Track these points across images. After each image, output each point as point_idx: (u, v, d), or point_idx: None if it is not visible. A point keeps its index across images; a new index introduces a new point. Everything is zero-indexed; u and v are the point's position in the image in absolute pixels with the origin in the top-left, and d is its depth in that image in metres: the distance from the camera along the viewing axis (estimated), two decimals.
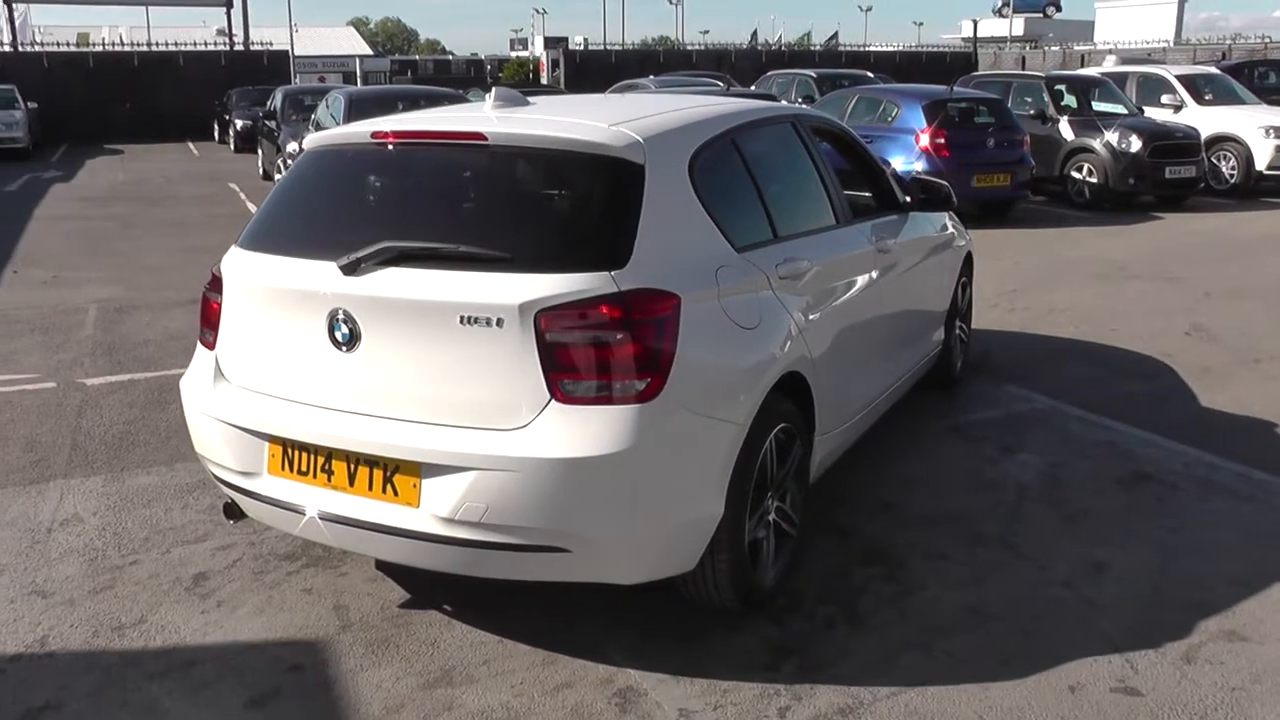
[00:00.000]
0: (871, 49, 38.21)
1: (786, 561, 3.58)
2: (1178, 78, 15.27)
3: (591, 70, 28.65)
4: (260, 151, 16.18)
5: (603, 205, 3.06)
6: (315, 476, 3.07)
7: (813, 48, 38.28)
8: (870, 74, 20.27)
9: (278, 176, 14.00)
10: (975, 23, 39.82)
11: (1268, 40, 27.87)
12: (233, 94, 23.37)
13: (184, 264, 9.69)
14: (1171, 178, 12.72)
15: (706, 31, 64.40)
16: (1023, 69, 29.21)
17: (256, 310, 3.25)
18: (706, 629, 3.37)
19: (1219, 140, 13.91)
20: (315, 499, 3.07)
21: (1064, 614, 3.50)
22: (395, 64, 58.57)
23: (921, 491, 4.54)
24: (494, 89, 3.53)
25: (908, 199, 5.00)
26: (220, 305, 3.36)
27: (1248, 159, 13.81)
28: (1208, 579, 3.72)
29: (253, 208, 13.43)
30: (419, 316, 2.91)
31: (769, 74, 21.33)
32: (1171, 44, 34.85)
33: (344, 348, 3.01)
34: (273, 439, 3.15)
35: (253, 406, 3.20)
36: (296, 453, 3.11)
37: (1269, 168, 13.67)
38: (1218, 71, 16.21)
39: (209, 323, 3.43)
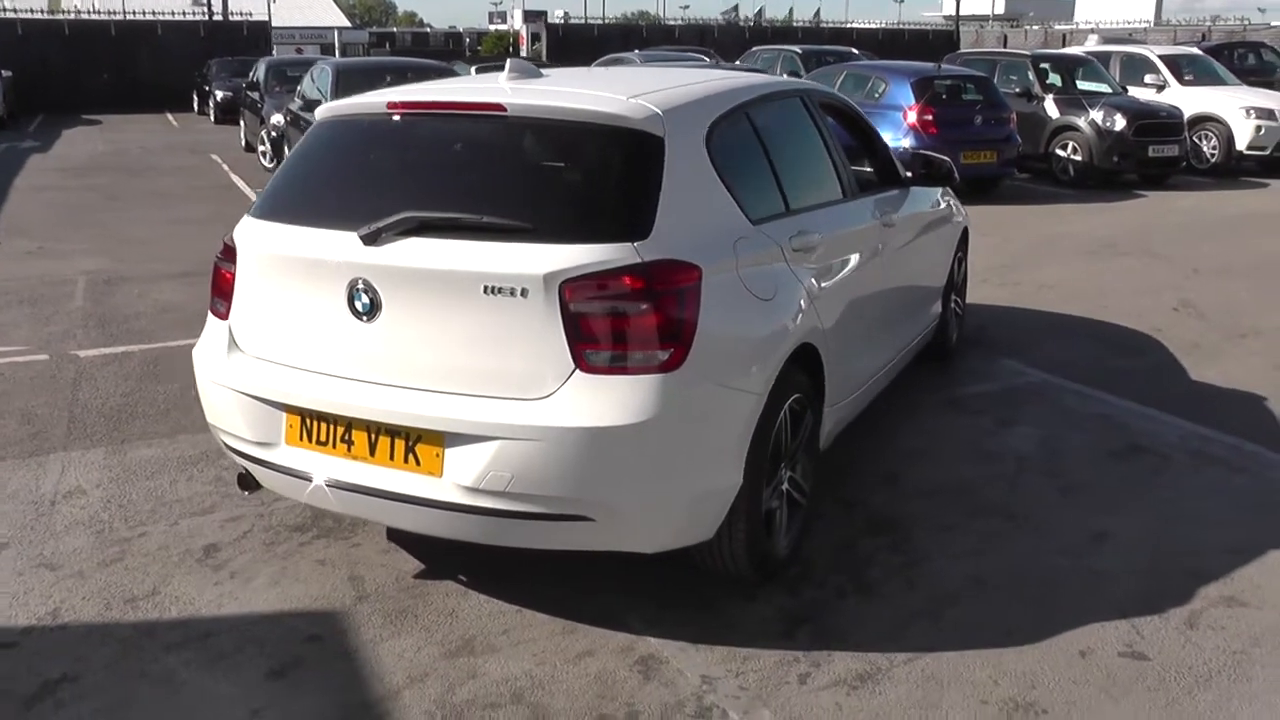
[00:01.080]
0: (854, 26, 38.19)
1: (798, 531, 3.61)
2: (1161, 58, 15.36)
3: (574, 45, 28.48)
4: (242, 123, 15.97)
5: (624, 177, 3.06)
6: (335, 446, 3.06)
7: (795, 24, 38.12)
8: (855, 50, 20.24)
9: (260, 148, 13.86)
10: (958, 0, 39.80)
11: (1246, 22, 28.09)
12: (212, 64, 23.00)
13: (170, 236, 9.59)
14: (1155, 156, 12.81)
15: (686, 6, 64.12)
16: (1004, 47, 29.29)
17: (272, 280, 3.22)
18: (722, 598, 3.39)
19: (1201, 120, 14.02)
20: (335, 469, 3.06)
21: (1069, 582, 3.55)
22: (373, 36, 57.91)
23: (923, 463, 4.58)
24: (509, 60, 3.50)
25: (908, 174, 5.02)
26: (233, 275, 3.33)
27: (1228, 139, 13.93)
28: (1205, 548, 3.79)
29: (236, 179, 13.31)
30: (442, 286, 2.90)
31: (754, 49, 21.28)
32: (1151, 24, 35.03)
33: (364, 318, 2.99)
34: (290, 409, 3.14)
35: (269, 376, 3.18)
36: (315, 423, 3.09)
37: (1249, 147, 13.81)
38: (1199, 52, 16.32)
39: (221, 292, 3.40)
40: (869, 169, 4.98)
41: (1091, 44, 21.97)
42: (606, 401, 2.80)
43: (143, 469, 4.45)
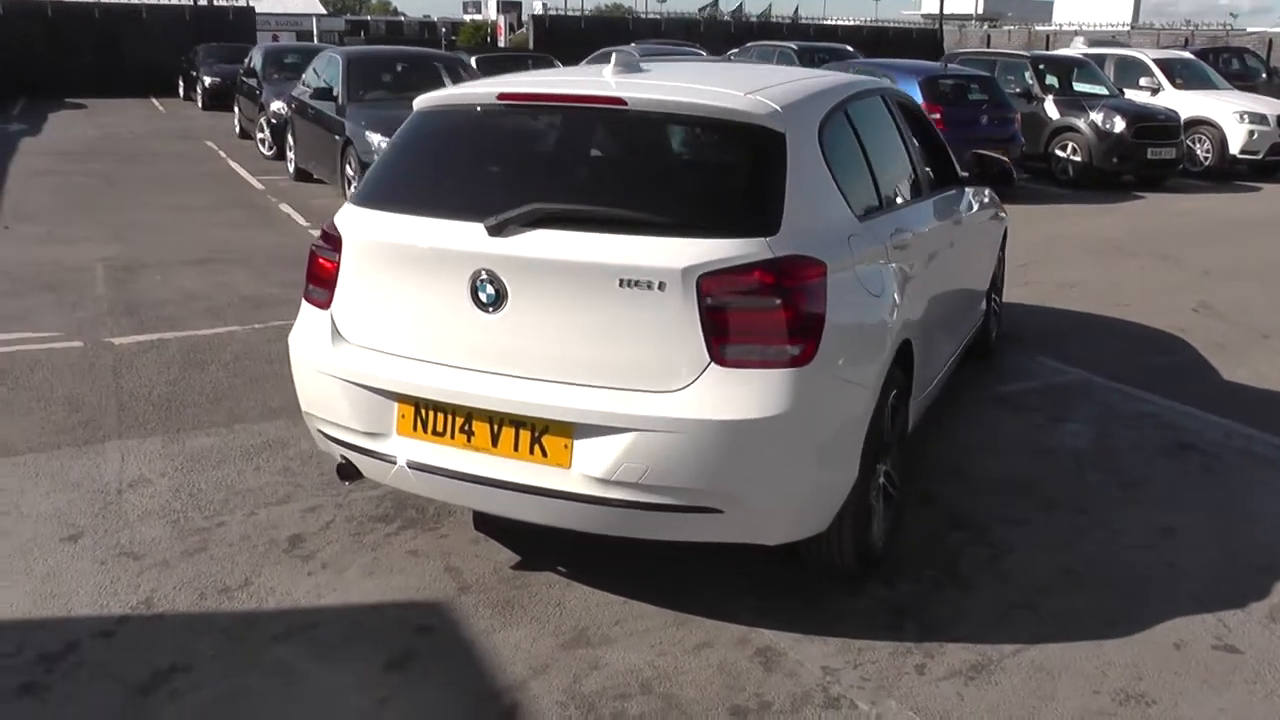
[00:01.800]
0: (838, 23, 38.34)
1: (890, 525, 3.63)
2: (1155, 61, 15.54)
3: (560, 37, 28.35)
4: (237, 110, 15.73)
5: (751, 172, 3.05)
6: (453, 437, 3.03)
7: (774, 19, 38.16)
8: (849, 48, 20.33)
9: (259, 136, 13.68)
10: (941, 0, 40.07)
11: (1229, 27, 28.52)
12: (199, 50, 22.59)
13: (181, 223, 9.44)
14: (1153, 158, 12.96)
15: (664, 0, 63.86)
16: (987, 47, 29.53)
17: (385, 269, 3.18)
18: (824, 591, 3.39)
19: (1194, 123, 14.19)
20: (452, 460, 3.03)
21: (1149, 576, 3.59)
22: (347, 25, 57.33)
23: (984, 458, 4.61)
24: (614, 53, 3.47)
25: (964, 173, 5.06)
26: (336, 264, 3.28)
27: (1222, 142, 14.12)
28: (1271, 544, 3.85)
29: (235, 166, 13.12)
30: (574, 278, 2.88)
31: (749, 45, 21.33)
32: (1129, 26, 35.42)
33: (489, 309, 2.96)
34: (403, 399, 3.09)
35: (381, 366, 3.13)
36: (431, 413, 3.05)
37: (1243, 151, 14.01)
38: (1192, 56, 16.54)
39: (321, 281, 3.34)
40: (928, 168, 5.00)
41: (1078, 46, 22.18)
42: (742, 395, 2.80)
43: (206, 458, 4.37)
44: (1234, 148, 14.01)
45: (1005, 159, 5.18)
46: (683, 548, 3.32)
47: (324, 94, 10.18)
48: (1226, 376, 5.93)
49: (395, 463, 3.13)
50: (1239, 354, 6.35)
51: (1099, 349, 6.40)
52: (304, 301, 3.46)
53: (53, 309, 6.57)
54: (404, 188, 3.33)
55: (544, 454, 2.92)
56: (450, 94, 3.46)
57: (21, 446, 4.45)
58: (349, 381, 3.17)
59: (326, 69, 10.74)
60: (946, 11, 48.95)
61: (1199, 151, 14.31)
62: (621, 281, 2.81)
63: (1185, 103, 14.31)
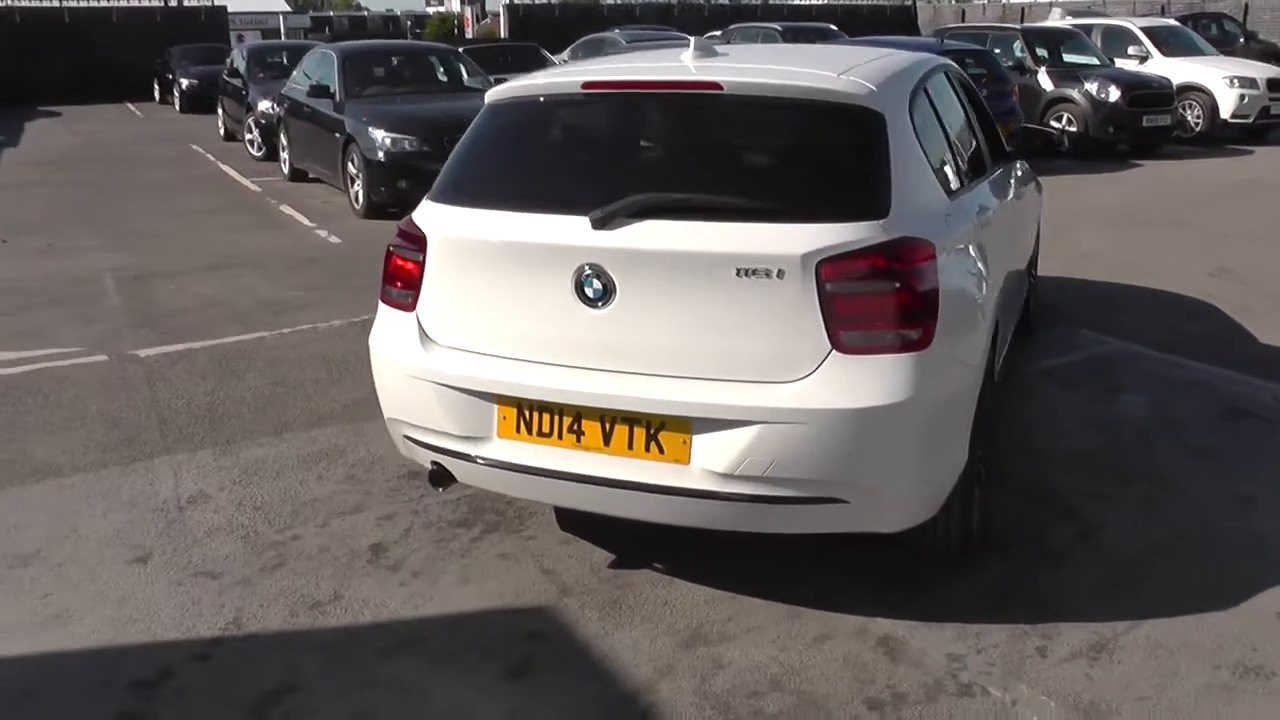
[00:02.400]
0: (811, 2, 38.15)
1: (984, 506, 3.56)
2: (1143, 30, 15.57)
3: (535, 25, 28.04)
4: (221, 111, 15.40)
5: (857, 154, 2.96)
6: (561, 438, 2.92)
7: (749, 1, 37.89)
8: (834, 27, 20.27)
9: (248, 137, 13.43)
10: None
11: None
12: (173, 52, 22.08)
13: (183, 229, 9.23)
14: (1148, 126, 12.97)
15: None
16: (963, 21, 29.55)
17: (478, 267, 3.06)
18: (927, 577, 3.32)
19: (1185, 90, 14.22)
20: (560, 461, 2.92)
21: (1239, 545, 3.55)
22: (311, 20, 56.60)
23: (1050, 433, 4.56)
24: (693, 40, 3.36)
25: (1009, 147, 5.00)
26: (421, 264, 3.15)
27: (1212, 107, 14.16)
28: None
29: (227, 169, 12.87)
30: (688, 269, 2.78)
31: (731, 27, 21.23)
32: None
33: (596, 304, 2.86)
34: (504, 401, 2.98)
35: (479, 368, 3.02)
36: (536, 414, 2.95)
37: (1234, 116, 14.06)
38: (1177, 24, 16.60)
39: (404, 282, 3.22)
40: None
41: (1055, 17, 22.21)
42: (866, 382, 2.71)
43: (262, 469, 4.25)
44: (1225, 112, 14.06)
45: (1054, 130, 5.12)
46: (775, 540, 3.24)
47: (320, 92, 9.97)
48: (1262, 340, 5.91)
49: (496, 466, 3.02)
50: (1267, 318, 6.33)
51: (1131, 318, 6.37)
52: (382, 304, 3.34)
53: (68, 322, 6.39)
54: (491, 183, 3.21)
55: (661, 451, 2.82)
56: (528, 86, 3.33)
57: (67, 467, 4.31)
58: (444, 385, 3.06)
59: (319, 67, 10.54)
60: None
61: (1189, 118, 14.35)
62: (739, 271, 2.72)
63: (1175, 70, 14.34)
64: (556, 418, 2.92)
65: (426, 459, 3.27)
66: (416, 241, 3.17)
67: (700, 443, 2.78)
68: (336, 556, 3.53)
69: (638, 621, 3.09)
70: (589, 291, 2.86)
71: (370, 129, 9.21)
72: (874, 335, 2.74)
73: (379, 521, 3.77)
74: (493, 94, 3.40)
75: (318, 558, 3.53)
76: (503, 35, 28.02)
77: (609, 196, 2.87)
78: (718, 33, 20.65)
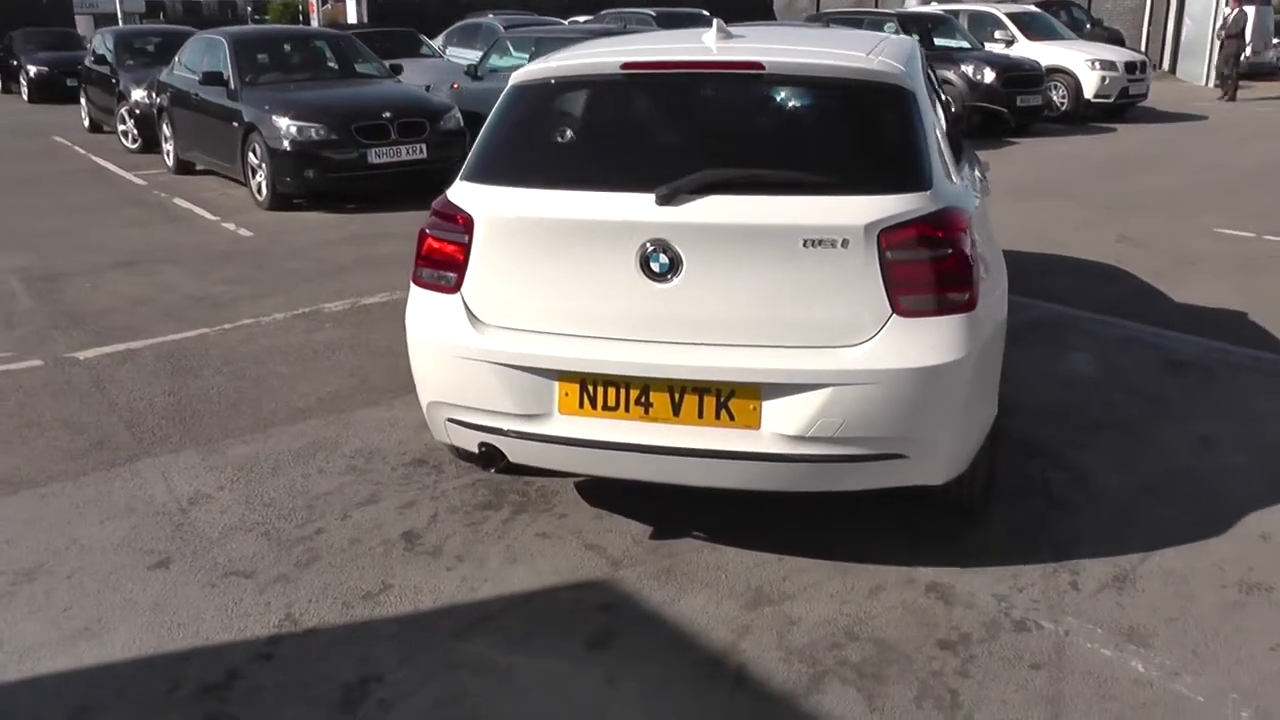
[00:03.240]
0: None
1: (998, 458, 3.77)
2: (1008, 15, 16.43)
3: (396, 9, 27.32)
4: (85, 101, 14.44)
5: (899, 130, 3.10)
6: (628, 410, 2.98)
7: None
8: (705, 12, 20.51)
9: (121, 128, 12.74)
10: None
11: None
12: (15, 37, 20.54)
13: (79, 226, 8.69)
14: (1022, 105, 13.71)
15: None
16: (817, 9, 30.36)
17: (534, 246, 3.07)
18: (953, 527, 3.51)
19: (1051, 72, 15.10)
20: (627, 433, 2.98)
21: (1210, 481, 3.89)
22: (145, 4, 53.74)
23: (1020, 390, 4.80)
24: (715, 20, 3.43)
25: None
26: (464, 245, 3.14)
27: (1077, 88, 15.11)
28: None
29: (103, 163, 12.15)
30: (756, 241, 2.88)
31: (603, 12, 21.24)
32: None
33: (663, 278, 2.92)
34: (567, 377, 3.01)
35: (538, 345, 3.04)
36: (601, 388, 2.99)
37: (1096, 96, 15.04)
38: (1038, 9, 17.57)
39: (445, 264, 3.20)
40: None
41: (914, 2, 23.08)
42: (925, 343, 2.87)
43: (257, 466, 4.13)
44: (1088, 93, 15.02)
45: (1003, 108, 5.42)
46: (804, 501, 3.39)
47: (212, 79, 9.56)
48: (1177, 300, 6.39)
49: (558, 443, 3.05)
50: (1175, 279, 6.82)
51: (1055, 284, 6.76)
52: (417, 288, 3.31)
53: None
54: (539, 163, 3.23)
55: (731, 418, 2.91)
56: (563, 67, 3.34)
57: (39, 476, 4.09)
58: (501, 365, 3.06)
59: (206, 54, 10.09)
60: None
61: (1055, 98, 15.24)
62: (806, 241, 2.83)
63: (1040, 53, 15.20)
64: (623, 391, 2.97)
65: (474, 441, 3.27)
66: (460, 223, 3.16)
67: (770, 408, 2.88)
68: (370, 547, 3.49)
69: (697, 587, 3.18)
70: (655, 266, 2.92)
71: (274, 117, 8.91)
72: (930, 299, 2.90)
73: (400, 510, 3.73)
74: (520, 75, 3.40)
75: (351, 550, 3.48)
76: (350, 19, 27.04)
77: (669, 174, 2.93)
78: (586, 17, 20.63)
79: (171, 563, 3.43)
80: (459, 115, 9.91)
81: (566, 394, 3.03)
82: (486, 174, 3.23)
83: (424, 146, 9.35)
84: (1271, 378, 4.97)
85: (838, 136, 3.17)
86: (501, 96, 3.43)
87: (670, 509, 3.59)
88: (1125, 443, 4.23)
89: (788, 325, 2.89)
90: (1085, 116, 15.17)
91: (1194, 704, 2.63)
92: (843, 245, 2.83)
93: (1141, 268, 7.12)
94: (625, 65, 3.21)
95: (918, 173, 3.00)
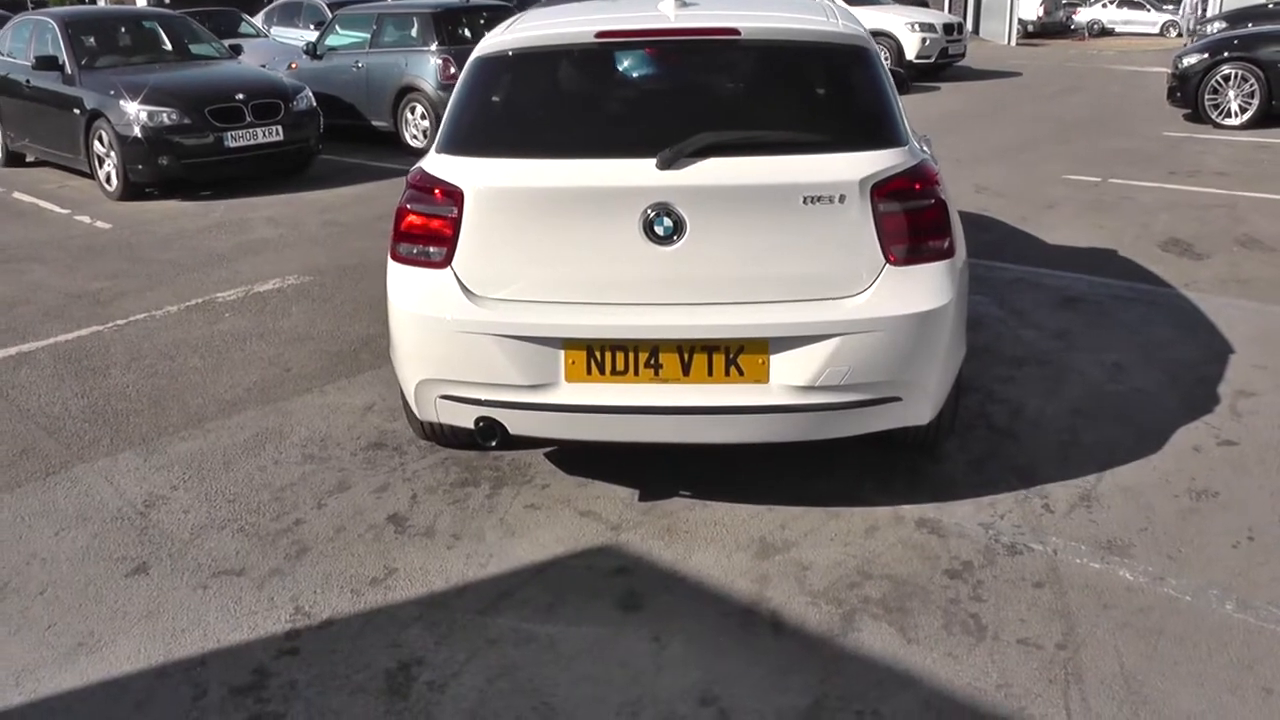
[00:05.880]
0: None
1: None
2: None
3: None
4: None
5: (872, 91, 3.24)
6: (637, 374, 3.02)
7: None
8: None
9: None
10: None
11: None
12: None
13: None
14: None
15: None
16: None
17: (529, 216, 3.06)
18: (918, 464, 3.73)
19: (874, 35, 15.75)
20: (639, 396, 3.03)
21: (1131, 402, 4.27)
22: None
23: None
24: None
25: None
26: (454, 218, 3.10)
27: (899, 50, 15.85)
28: (1192, 360, 4.67)
29: None
30: (758, 201, 2.96)
31: None
32: None
33: (667, 241, 2.97)
34: (573, 344, 3.03)
35: (541, 315, 3.04)
36: (609, 354, 3.02)
37: (918, 57, 15.82)
38: None
39: (431, 239, 3.15)
40: None
41: None
42: (919, 289, 3.04)
43: (206, 462, 3.96)
44: (910, 54, 15.78)
45: (901, 70, 5.67)
46: (764, 453, 3.51)
47: (46, 64, 8.87)
48: (1050, 241, 6.87)
49: (566, 410, 3.08)
50: (1040, 223, 7.32)
51: None
52: (401, 265, 3.24)
53: None
54: (524, 133, 3.21)
55: (740, 373, 3.00)
56: (534, 38, 3.31)
57: None
58: (503, 336, 3.05)
59: (34, 37, 9.32)
60: None
61: None
62: (805, 198, 2.94)
63: (863, 17, 15.70)
64: (632, 355, 3.02)
65: (470, 416, 3.24)
66: (449, 195, 3.11)
67: (778, 361, 2.99)
68: (360, 534, 3.42)
69: (703, 544, 3.27)
70: (659, 230, 2.97)
71: (122, 103, 8.35)
72: (916, 248, 3.07)
73: (376, 494, 3.67)
74: (489, 48, 3.35)
75: (339, 538, 3.40)
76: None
77: (664, 139, 2.98)
78: None
79: (150, 568, 3.27)
80: (311, 95, 9.56)
81: (573, 361, 3.05)
82: (469, 146, 3.19)
83: (280, 128, 8.99)
84: (1153, 306, 5.45)
85: (820, 97, 3.29)
86: (467, 69, 3.38)
87: (650, 470, 3.66)
88: (1048, 374, 4.57)
89: (790, 280, 3.01)
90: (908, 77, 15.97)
91: (1184, 603, 2.92)
92: (840, 200, 2.96)
93: (1008, 214, 7.60)
94: (600, 34, 3.22)
95: (895, 129, 3.16)
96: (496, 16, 11.96)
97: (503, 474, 3.76)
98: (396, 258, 3.26)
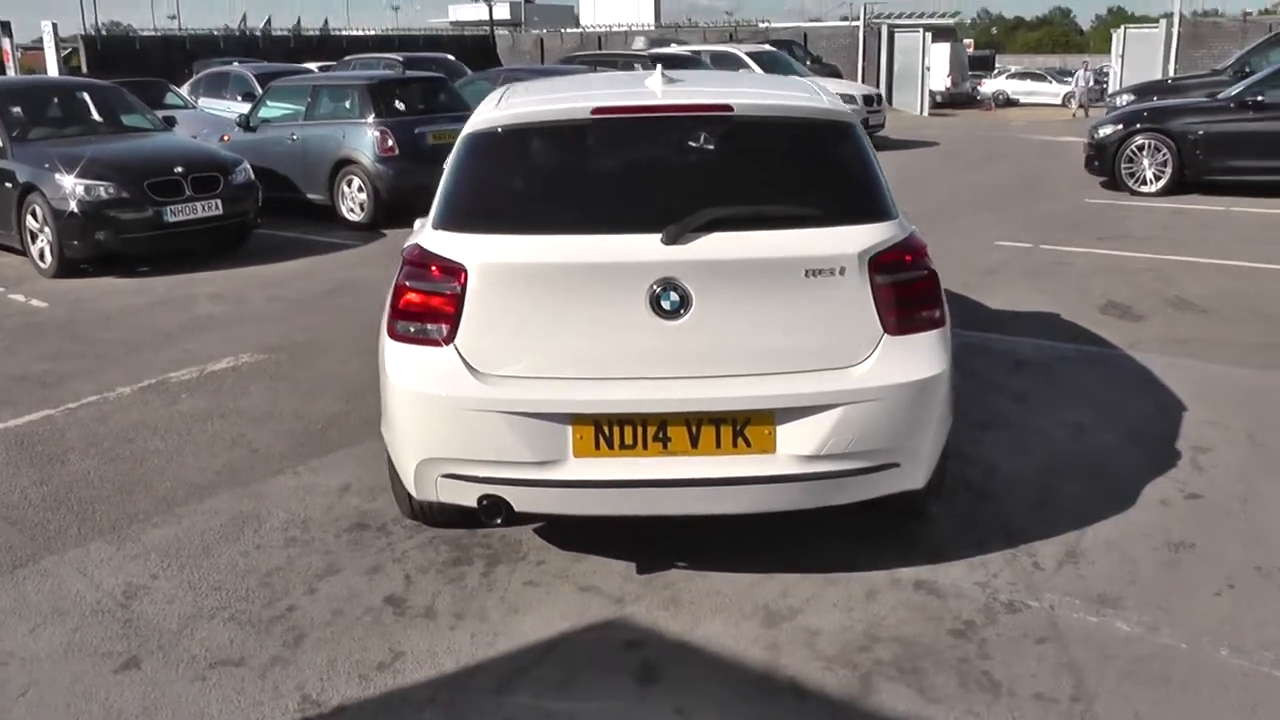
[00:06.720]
0: (369, 33, 38.67)
1: None
2: (747, 54, 17.59)
3: (116, 58, 25.51)
4: None
5: (860, 166, 3.37)
6: (646, 447, 3.05)
7: (305, 33, 37.01)
8: (451, 57, 20.65)
9: None
10: (490, 6, 41.33)
11: (768, 23, 32.56)
12: None
13: None
14: None
15: (174, 16, 58.79)
16: (541, 50, 31.30)
17: (533, 292, 3.09)
18: (903, 528, 3.80)
19: None
20: (648, 469, 3.05)
21: (1099, 460, 4.43)
22: None
23: None
24: (658, 65, 3.58)
25: None
26: (457, 295, 3.12)
27: None
28: (1148, 416, 4.90)
29: None
30: (762, 274, 3.05)
31: (348, 58, 20.92)
32: (652, 25, 38.93)
33: (674, 315, 3.02)
34: (580, 420, 3.05)
35: (548, 391, 3.06)
36: (617, 428, 3.05)
37: None
38: (775, 49, 18.94)
39: (432, 316, 3.15)
40: None
41: (639, 45, 24.25)
42: (915, 358, 3.15)
43: (184, 549, 3.84)
44: None
45: None
46: (754, 522, 3.50)
47: None
48: (993, 306, 7.10)
49: (575, 486, 3.08)
50: (982, 288, 7.54)
51: None
52: (399, 343, 3.23)
53: None
54: (523, 209, 3.26)
55: (748, 444, 3.06)
56: (530, 113, 3.38)
57: None
58: (510, 413, 3.06)
59: None
60: (469, 19, 50.60)
61: None
62: (807, 271, 3.04)
63: None
64: (640, 429, 3.05)
65: (473, 495, 3.22)
66: (450, 273, 3.13)
67: (785, 431, 3.05)
68: (359, 618, 3.35)
69: (708, 614, 3.28)
70: (665, 304, 3.02)
71: (57, 176, 8.19)
72: (913, 318, 3.18)
73: (369, 576, 3.60)
74: (482, 124, 3.39)
75: (337, 623, 3.33)
76: (50, 70, 24.85)
77: (666, 214, 3.06)
78: (334, 63, 20.18)
79: (141, 662, 3.15)
80: (249, 168, 9.49)
81: (581, 437, 3.07)
82: (468, 222, 3.22)
83: (219, 202, 8.89)
84: (1100, 366, 5.68)
85: (814, 172, 3.39)
86: (461, 144, 3.42)
87: (643, 542, 3.67)
88: (1013, 436, 4.72)
89: (793, 351, 3.08)
90: None
91: (1181, 651, 3.02)
92: (840, 273, 3.06)
93: (949, 280, 7.67)
94: (597, 110, 3.30)
95: (884, 203, 3.29)
96: (433, 89, 12.08)
97: (495, 551, 3.73)
98: (395, 336, 3.25)
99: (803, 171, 3.37)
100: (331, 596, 3.49)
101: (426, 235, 3.28)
